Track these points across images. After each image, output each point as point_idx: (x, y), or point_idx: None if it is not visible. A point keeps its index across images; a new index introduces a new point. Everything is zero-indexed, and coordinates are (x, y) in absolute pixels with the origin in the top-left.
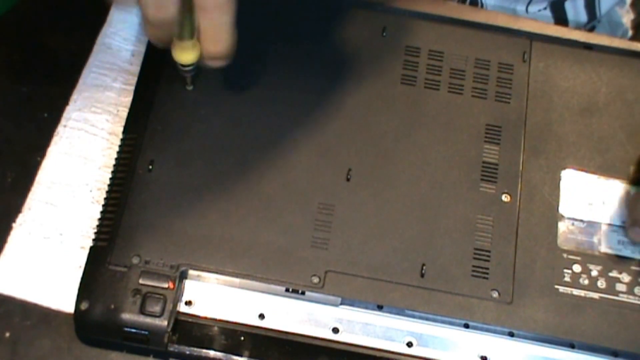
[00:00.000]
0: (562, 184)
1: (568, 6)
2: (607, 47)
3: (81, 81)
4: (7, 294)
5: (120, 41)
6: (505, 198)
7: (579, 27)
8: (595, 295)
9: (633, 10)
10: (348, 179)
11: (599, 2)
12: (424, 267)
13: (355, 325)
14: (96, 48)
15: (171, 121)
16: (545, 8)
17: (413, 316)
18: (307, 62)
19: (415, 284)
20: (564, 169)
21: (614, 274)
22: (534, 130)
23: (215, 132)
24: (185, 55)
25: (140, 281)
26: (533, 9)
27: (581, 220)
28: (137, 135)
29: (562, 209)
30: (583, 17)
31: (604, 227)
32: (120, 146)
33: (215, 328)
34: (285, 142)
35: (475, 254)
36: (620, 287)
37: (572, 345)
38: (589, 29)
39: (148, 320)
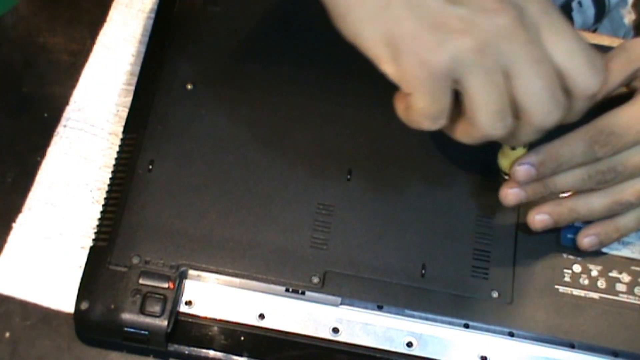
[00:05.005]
0: None
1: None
2: (608, 47)
3: (81, 81)
4: (7, 294)
5: (120, 41)
6: None
7: (585, 23)
8: (595, 295)
9: (634, 11)
10: (348, 179)
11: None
12: (424, 267)
13: (355, 325)
14: (96, 48)
15: (171, 121)
16: None
17: (413, 316)
18: (308, 62)
19: (415, 284)
20: None
21: (614, 274)
22: None
23: (215, 132)
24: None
25: (140, 281)
26: None
27: None
28: (137, 135)
29: None
30: (590, 12)
31: None
32: (120, 146)
33: (215, 328)
34: (285, 142)
35: (475, 254)
36: (620, 287)
37: (572, 345)
38: (594, 30)
39: (148, 320)
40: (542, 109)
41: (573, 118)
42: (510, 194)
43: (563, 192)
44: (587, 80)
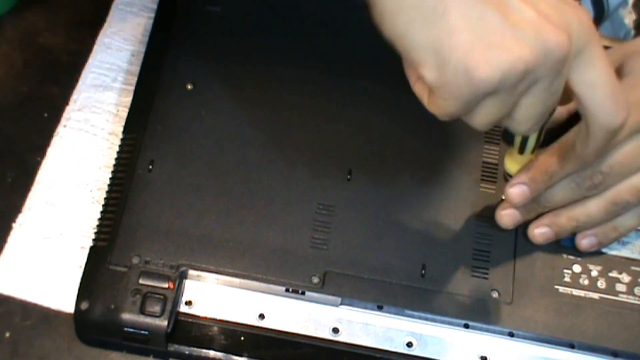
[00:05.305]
0: None
1: None
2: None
3: (81, 81)
4: (7, 294)
5: (120, 41)
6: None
7: None
8: (595, 295)
9: (635, 11)
10: (348, 179)
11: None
12: (424, 267)
13: (355, 325)
14: (96, 48)
15: (171, 121)
16: None
17: (413, 316)
18: (308, 62)
19: (415, 284)
20: None
21: (614, 274)
22: None
23: (215, 132)
24: (516, 168)
25: (140, 281)
26: None
27: None
28: (137, 135)
29: None
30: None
31: None
32: (120, 146)
33: (215, 328)
34: (285, 142)
35: (475, 254)
36: (620, 287)
37: (572, 345)
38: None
39: (148, 320)
40: (529, 122)
41: (590, 154)
42: (505, 216)
43: (557, 207)
44: (603, 118)
